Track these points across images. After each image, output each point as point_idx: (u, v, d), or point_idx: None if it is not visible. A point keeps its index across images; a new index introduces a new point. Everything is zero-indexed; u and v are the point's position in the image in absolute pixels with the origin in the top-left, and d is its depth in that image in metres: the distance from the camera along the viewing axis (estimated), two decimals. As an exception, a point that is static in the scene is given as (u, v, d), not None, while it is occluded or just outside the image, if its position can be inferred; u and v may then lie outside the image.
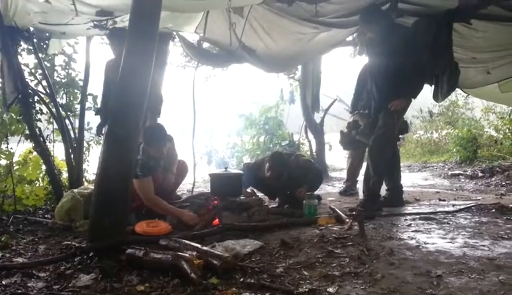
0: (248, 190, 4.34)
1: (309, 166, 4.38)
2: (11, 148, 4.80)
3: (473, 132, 9.16)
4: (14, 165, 4.81)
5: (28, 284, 2.47)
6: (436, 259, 2.41)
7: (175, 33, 5.24)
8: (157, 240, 2.99)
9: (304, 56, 5.34)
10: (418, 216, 3.60)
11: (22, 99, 4.51)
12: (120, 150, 2.92)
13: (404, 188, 4.50)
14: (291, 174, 4.19)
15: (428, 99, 5.21)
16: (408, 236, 2.91)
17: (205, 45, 5.42)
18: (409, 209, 4.07)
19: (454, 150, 9.06)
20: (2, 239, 3.44)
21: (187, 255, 2.53)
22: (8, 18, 3.68)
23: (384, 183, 4.30)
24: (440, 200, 4.59)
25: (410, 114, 11.31)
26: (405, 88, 3.98)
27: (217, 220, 3.67)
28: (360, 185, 5.51)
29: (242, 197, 3.88)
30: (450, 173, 7.47)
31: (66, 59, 5.33)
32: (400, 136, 4.55)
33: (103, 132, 3.89)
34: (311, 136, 8.11)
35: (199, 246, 2.73)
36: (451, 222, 3.34)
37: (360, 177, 5.97)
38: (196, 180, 5.78)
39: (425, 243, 2.73)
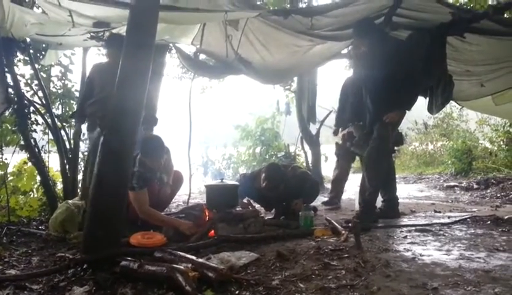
0: (245, 200, 4.34)
1: (305, 178, 4.39)
2: (5, 159, 4.79)
3: (468, 144, 9.22)
4: (8, 175, 4.79)
5: (21, 298, 2.45)
6: (432, 271, 2.41)
7: (171, 45, 5.27)
8: (152, 252, 2.96)
9: (300, 69, 5.38)
10: (413, 228, 3.60)
11: (17, 109, 4.51)
12: (115, 162, 2.91)
13: (399, 200, 4.51)
14: (287, 185, 4.20)
15: (423, 111, 5.25)
16: (404, 248, 2.91)
17: (202, 56, 5.44)
18: (405, 221, 4.07)
19: (449, 162, 9.10)
20: (-4, 251, 3.41)
21: (182, 267, 2.52)
22: (5, 30, 3.69)
23: (380, 194, 4.30)
24: (435, 211, 4.59)
25: (405, 126, 11.39)
26: (399, 100, 4.01)
27: (213, 231, 3.65)
28: (349, 197, 5.57)
29: (238, 208, 3.87)
30: (445, 184, 7.49)
31: (63, 70, 5.35)
32: (395, 147, 4.57)
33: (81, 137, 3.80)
34: (307, 147, 8.13)
35: (194, 258, 2.71)
36: (447, 234, 3.34)
37: (350, 189, 6.03)
38: (191, 192, 5.78)
39: (421, 255, 2.72)
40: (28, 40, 4.47)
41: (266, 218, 4.35)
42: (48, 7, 3.38)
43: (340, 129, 5.13)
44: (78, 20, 3.46)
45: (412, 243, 3.07)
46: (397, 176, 9.15)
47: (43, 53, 4.72)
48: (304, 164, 8.13)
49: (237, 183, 4.05)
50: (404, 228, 3.63)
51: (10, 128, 4.65)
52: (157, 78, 5.38)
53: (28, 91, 4.80)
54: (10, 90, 4.44)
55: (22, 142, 4.70)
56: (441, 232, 3.42)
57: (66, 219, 3.96)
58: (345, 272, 2.49)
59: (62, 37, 4.05)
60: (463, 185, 7.21)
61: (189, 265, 2.61)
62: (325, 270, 2.55)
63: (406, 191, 6.80)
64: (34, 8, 4.29)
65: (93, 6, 3.23)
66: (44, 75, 5.26)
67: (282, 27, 4.41)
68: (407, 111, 4.15)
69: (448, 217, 4.14)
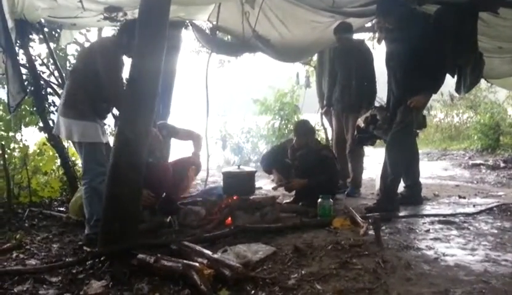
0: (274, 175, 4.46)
1: (328, 163, 4.31)
2: (25, 140, 4.82)
3: (496, 118, 8.85)
4: (29, 155, 4.83)
5: (40, 292, 2.47)
6: (455, 276, 2.31)
7: (187, 21, 5.11)
8: (168, 244, 2.95)
9: (320, 45, 5.16)
10: (436, 219, 3.48)
11: (34, 91, 4.50)
12: (130, 153, 2.87)
13: (422, 180, 4.36)
14: (309, 156, 4.22)
15: (449, 81, 5.00)
16: (427, 246, 2.81)
17: (219, 33, 5.27)
18: (427, 209, 3.95)
19: (475, 137, 8.79)
20: (17, 236, 3.46)
21: (197, 264, 2.50)
22: (17, 13, 3.61)
23: (402, 180, 4.17)
24: (460, 196, 4.45)
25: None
26: (425, 83, 3.80)
27: (230, 219, 3.63)
28: (370, 176, 5.43)
29: (254, 195, 3.83)
30: (470, 162, 7.26)
31: (78, 48, 5.28)
32: (418, 131, 4.38)
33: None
34: (326, 123, 7.93)
35: (210, 253, 2.68)
36: (471, 228, 3.21)
37: (371, 166, 5.86)
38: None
39: (444, 255, 2.62)
40: (42, 20, 4.39)
41: (284, 202, 4.33)
42: (57, -6, 3.29)
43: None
44: (89, 6, 3.35)
45: (434, 238, 2.96)
46: (420, 151, 8.95)
47: (58, 31, 4.62)
48: (324, 140, 7.96)
49: (254, 169, 3.98)
50: (427, 219, 3.52)
51: (28, 109, 4.63)
52: (175, 52, 5.25)
53: (43, 72, 4.74)
54: (25, 71, 4.44)
55: (41, 124, 4.73)
56: (465, 225, 3.29)
57: (85, 203, 3.99)
58: (364, 273, 2.42)
59: (75, 19, 3.94)
60: (489, 163, 6.97)
61: (205, 261, 2.60)
62: (343, 270, 2.49)
63: (430, 170, 6.62)
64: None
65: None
66: (61, 54, 5.21)
67: (301, 3, 4.19)
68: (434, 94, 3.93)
69: (473, 205, 3.99)
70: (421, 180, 4.41)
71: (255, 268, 2.65)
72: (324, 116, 5.33)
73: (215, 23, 4.96)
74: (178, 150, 4.21)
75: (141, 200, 3.08)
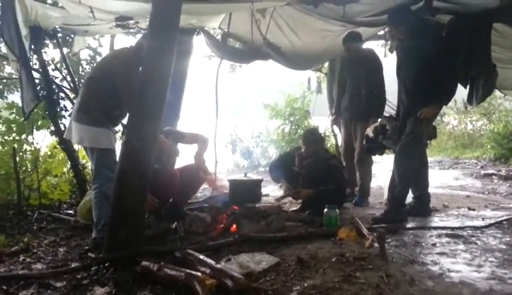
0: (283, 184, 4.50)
1: (335, 172, 4.29)
2: (37, 143, 4.89)
3: (510, 127, 8.70)
4: (40, 158, 4.90)
5: (44, 298, 2.51)
6: (459, 293, 2.27)
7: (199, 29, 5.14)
8: (172, 251, 2.97)
9: (331, 53, 5.13)
10: (444, 232, 3.43)
11: (47, 96, 4.57)
12: (136, 161, 2.89)
13: (433, 189, 4.30)
14: (317, 164, 4.22)
15: (463, 89, 4.93)
16: (432, 260, 2.77)
17: (230, 40, 5.29)
18: (435, 221, 3.90)
19: (488, 146, 8.65)
20: (25, 239, 3.52)
21: (199, 274, 2.50)
22: (31, 21, 3.68)
23: (411, 191, 4.13)
24: (469, 209, 4.37)
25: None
26: (436, 94, 3.76)
27: (235, 227, 3.63)
28: (378, 184, 5.38)
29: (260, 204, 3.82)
30: (482, 172, 7.14)
31: (92, 53, 5.36)
32: (427, 141, 4.33)
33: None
34: (336, 129, 7.89)
35: (213, 263, 2.68)
36: (479, 242, 3.16)
37: (380, 174, 5.81)
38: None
39: (449, 271, 2.58)
40: (56, 27, 4.46)
41: (290, 210, 4.32)
42: (69, 5, 3.33)
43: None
44: (100, 16, 3.39)
45: (440, 253, 2.91)
46: (432, 159, 8.91)
47: (72, 36, 4.69)
48: (334, 147, 7.93)
49: (260, 178, 3.98)
50: (434, 232, 3.47)
51: (40, 113, 4.71)
52: (186, 58, 5.29)
53: (55, 77, 4.81)
54: (38, 75, 4.51)
55: (52, 128, 4.80)
56: (473, 239, 3.24)
57: (93, 207, 4.03)
58: (367, 287, 2.39)
59: (88, 26, 4.00)
60: (502, 173, 6.85)
61: (208, 271, 2.60)
62: (346, 283, 2.46)
63: (440, 179, 6.53)
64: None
65: (114, 1, 3.14)
66: (75, 59, 5.30)
67: (312, 13, 4.19)
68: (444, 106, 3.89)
69: (483, 218, 3.92)
70: (431, 189, 4.36)
71: (257, 279, 2.64)
72: (334, 124, 5.29)
73: (226, 30, 4.99)
74: (186, 156, 4.19)
75: (145, 208, 3.08)
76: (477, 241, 3.18)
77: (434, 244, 3.12)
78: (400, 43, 4.07)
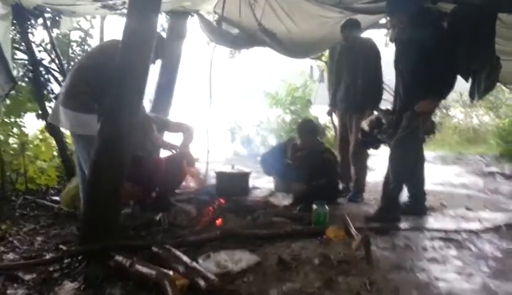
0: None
1: (329, 168, 4.15)
2: (24, 126, 4.76)
3: (517, 123, 8.44)
4: (28, 143, 4.77)
5: (8, 292, 2.39)
6: (445, 306, 2.13)
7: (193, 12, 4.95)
8: (149, 246, 2.84)
9: (330, 42, 4.93)
10: (437, 234, 3.27)
11: (33, 78, 4.43)
12: (112, 152, 2.74)
13: (432, 186, 4.10)
14: (312, 156, 4.08)
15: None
16: (420, 267, 2.61)
17: (225, 25, 5.09)
18: (430, 221, 3.73)
19: (493, 143, 8.40)
20: (3, 227, 3.41)
21: (171, 273, 2.37)
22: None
23: (405, 188, 3.97)
24: (467, 209, 4.19)
25: (450, 97, 10.55)
26: (434, 87, 3.55)
27: (220, 221, 3.50)
28: (374, 180, 5.20)
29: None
30: (485, 169, 6.91)
31: (83, 34, 5.18)
32: (426, 137, 4.14)
33: None
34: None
35: (188, 261, 2.55)
36: (473, 248, 2.99)
37: (378, 167, 5.63)
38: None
39: (437, 279, 2.42)
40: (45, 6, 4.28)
41: (281, 204, 4.18)
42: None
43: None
44: (78, -6, 3.22)
45: (431, 259, 2.75)
46: (434, 154, 8.68)
47: (58, 18, 4.52)
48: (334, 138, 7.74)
49: (248, 170, 3.83)
50: (427, 234, 3.31)
51: (28, 96, 4.56)
52: (179, 42, 5.12)
53: (42, 59, 4.65)
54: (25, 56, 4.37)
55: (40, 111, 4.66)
56: (467, 244, 3.07)
57: (76, 194, 3.89)
58: None
59: (74, 6, 3.82)
60: (505, 172, 6.62)
61: (182, 269, 2.48)
62: (327, 290, 2.33)
63: (441, 175, 6.33)
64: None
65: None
66: (65, 41, 5.13)
67: (308, -2, 3.99)
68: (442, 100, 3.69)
69: (480, 220, 3.75)
70: (430, 186, 4.19)
71: (234, 279, 2.51)
72: (328, 115, 5.11)
73: (220, 14, 4.79)
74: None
75: (122, 199, 2.95)
76: (471, 247, 3.01)
77: (425, 248, 2.96)
78: (400, 32, 3.86)
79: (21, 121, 4.67)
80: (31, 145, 4.81)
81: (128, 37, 2.74)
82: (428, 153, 8.96)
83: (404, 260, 2.73)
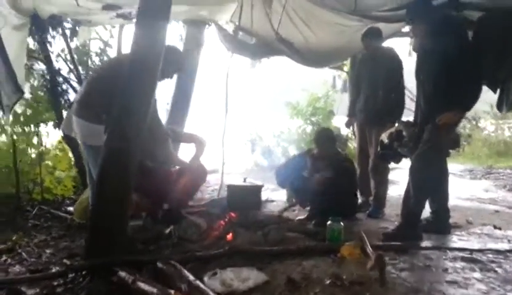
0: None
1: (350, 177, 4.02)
2: (43, 135, 4.81)
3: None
4: (45, 152, 4.81)
5: (8, 307, 2.35)
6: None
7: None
8: (154, 262, 2.75)
9: (350, 51, 4.77)
10: (460, 254, 3.05)
11: (50, 88, 4.47)
12: (118, 162, 2.69)
13: (459, 201, 3.86)
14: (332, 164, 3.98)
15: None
16: (440, 291, 2.41)
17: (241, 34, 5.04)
18: (453, 240, 3.50)
19: (526, 155, 8.00)
20: (14, 238, 3.41)
21: (173, 292, 2.27)
22: (25, 9, 3.53)
23: (428, 204, 3.76)
24: (495, 227, 3.93)
25: (480, 108, 10.12)
26: (457, 99, 3.35)
27: (231, 235, 3.38)
28: (399, 193, 4.98)
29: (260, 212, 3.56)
30: (516, 184, 6.58)
31: (102, 45, 5.22)
32: (450, 151, 3.92)
33: None
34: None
35: (192, 278, 2.44)
36: (499, 270, 2.76)
37: (404, 180, 5.40)
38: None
39: (457, 306, 2.23)
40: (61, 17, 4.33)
41: (296, 219, 4.04)
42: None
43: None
44: (85, 4, 3.21)
45: (451, 281, 2.55)
46: (463, 168, 8.34)
47: (77, 28, 4.57)
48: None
49: (260, 184, 3.71)
50: (450, 253, 3.09)
51: (44, 106, 4.61)
52: (196, 51, 5.11)
53: (60, 69, 4.70)
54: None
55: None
56: (493, 265, 2.84)
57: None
58: (357, 321, 2.09)
59: (89, 16, 3.84)
60: (538, 187, 6.28)
61: (185, 287, 2.38)
62: (335, 313, 2.17)
63: (469, 190, 6.04)
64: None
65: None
66: (85, 50, 5.17)
67: (324, 6, 3.87)
68: (467, 112, 3.49)
69: (508, 239, 3.50)
70: (457, 202, 3.97)
71: (240, 298, 2.39)
72: (346, 127, 4.94)
73: (237, 24, 4.73)
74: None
75: (128, 213, 2.88)
76: (497, 269, 2.78)
77: (445, 270, 2.75)
78: (421, 41, 3.69)
79: (39, 131, 4.73)
80: (47, 155, 4.85)
81: (136, 46, 2.70)
82: (456, 166, 8.70)
83: (422, 282, 2.53)
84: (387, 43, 4.67)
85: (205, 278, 2.57)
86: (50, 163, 4.83)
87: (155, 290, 2.30)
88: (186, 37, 5.06)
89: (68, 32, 4.51)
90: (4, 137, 4.66)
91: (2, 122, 4.37)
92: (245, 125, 9.22)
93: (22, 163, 4.51)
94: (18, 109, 4.61)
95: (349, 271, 2.67)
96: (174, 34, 5.34)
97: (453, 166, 9.13)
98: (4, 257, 3.06)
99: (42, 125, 4.75)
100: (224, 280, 2.55)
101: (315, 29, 4.34)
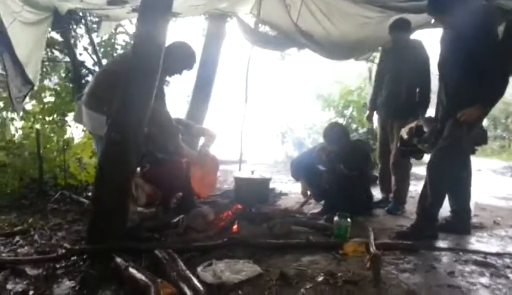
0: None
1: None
2: (68, 125, 4.99)
3: None
4: (69, 142, 4.99)
5: (7, 286, 2.45)
6: None
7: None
8: (151, 250, 2.78)
9: (374, 43, 4.58)
10: (474, 257, 2.86)
11: (74, 80, 4.62)
12: (117, 154, 2.74)
13: (492, 200, 3.61)
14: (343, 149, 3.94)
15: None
16: (437, 295, 2.28)
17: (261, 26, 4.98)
18: (471, 241, 3.29)
19: None
20: (30, 220, 3.56)
21: (160, 280, 2.28)
22: (44, 5, 3.64)
23: (448, 203, 3.56)
24: (523, 230, 3.66)
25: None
26: (480, 94, 3.12)
27: (236, 227, 3.37)
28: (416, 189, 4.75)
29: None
30: (562, 184, 6.07)
31: (127, 38, 5.34)
32: (476, 147, 3.68)
33: None
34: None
35: (183, 268, 2.45)
36: (511, 276, 2.56)
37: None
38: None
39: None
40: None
41: (310, 212, 3.97)
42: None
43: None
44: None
45: (453, 286, 2.38)
46: (506, 164, 7.81)
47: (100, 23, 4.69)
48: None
49: (268, 177, 3.65)
50: (463, 256, 2.90)
51: (69, 96, 4.78)
52: (217, 44, 5.11)
53: (84, 61, 4.85)
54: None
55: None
56: (506, 271, 2.63)
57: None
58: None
59: (107, 10, 3.92)
60: None
61: (174, 276, 2.38)
62: (318, 312, 2.10)
63: (508, 189, 5.65)
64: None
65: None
66: (111, 43, 5.31)
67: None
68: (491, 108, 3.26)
69: (534, 244, 3.24)
70: (491, 200, 3.70)
71: (230, 291, 2.37)
72: (367, 120, 4.76)
73: (257, 16, 4.68)
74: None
75: (128, 201, 2.92)
76: (510, 275, 2.58)
77: (451, 273, 2.58)
78: (444, 34, 3.47)
79: (65, 120, 4.91)
80: (75, 143, 5.03)
81: (138, 41, 2.74)
82: (499, 163, 8.18)
83: (421, 285, 2.38)
84: (416, 36, 4.42)
85: (199, 268, 2.57)
86: (76, 150, 4.99)
87: (143, 277, 2.33)
88: (207, 31, 5.06)
89: (91, 26, 4.62)
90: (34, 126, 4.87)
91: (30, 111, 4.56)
92: (277, 117, 9.14)
93: (47, 150, 4.70)
94: (45, 98, 4.84)
95: (346, 270, 2.58)
96: (196, 29, 5.39)
97: (495, 162, 8.61)
98: (17, 238, 3.20)
99: (67, 114, 4.91)
100: (216, 271, 2.52)
101: (336, 22, 4.20)
